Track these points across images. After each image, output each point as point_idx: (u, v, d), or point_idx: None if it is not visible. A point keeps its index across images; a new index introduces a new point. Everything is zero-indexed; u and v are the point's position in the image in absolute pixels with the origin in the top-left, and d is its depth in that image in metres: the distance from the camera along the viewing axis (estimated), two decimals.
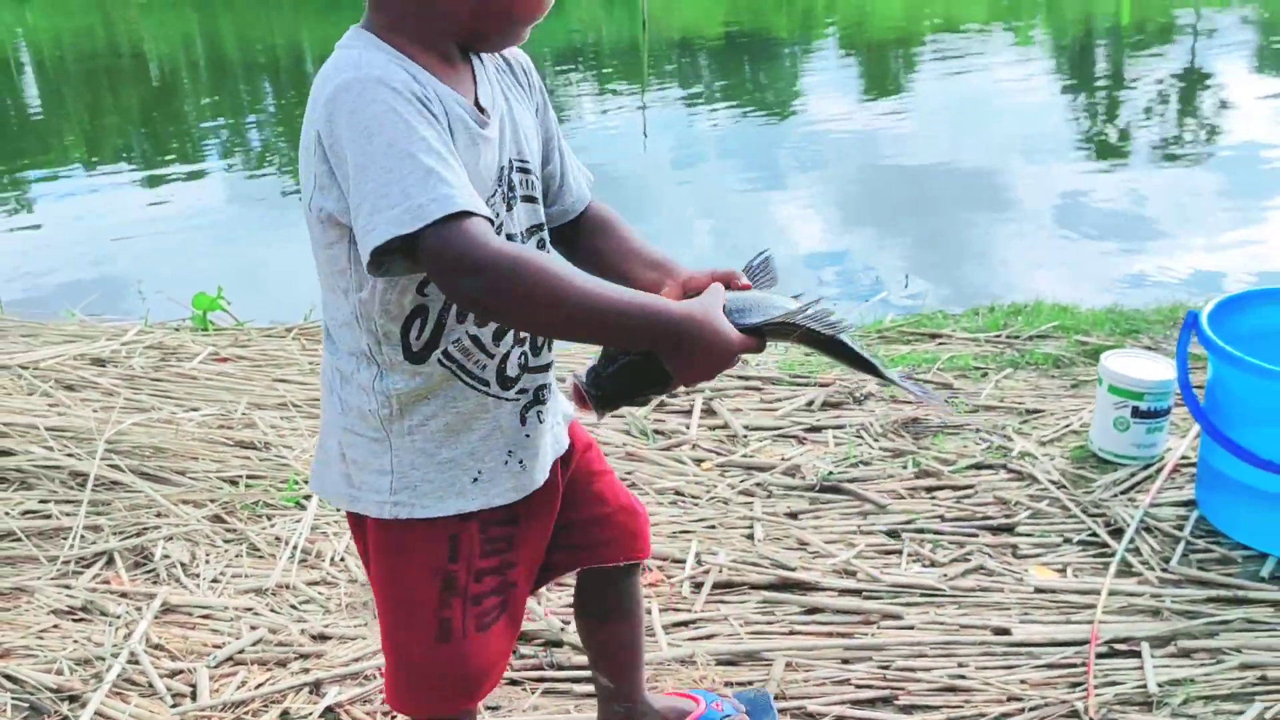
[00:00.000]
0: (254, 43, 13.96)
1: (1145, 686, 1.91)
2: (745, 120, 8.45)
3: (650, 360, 1.16)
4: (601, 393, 1.22)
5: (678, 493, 2.54)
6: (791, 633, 2.08)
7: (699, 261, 1.33)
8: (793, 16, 15.32)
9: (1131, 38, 11.91)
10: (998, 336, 3.49)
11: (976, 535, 2.37)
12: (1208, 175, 6.39)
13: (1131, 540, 2.32)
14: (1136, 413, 2.56)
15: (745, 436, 2.81)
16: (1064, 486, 2.53)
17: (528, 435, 1.31)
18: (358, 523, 1.32)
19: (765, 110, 8.86)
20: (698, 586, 2.21)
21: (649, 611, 2.11)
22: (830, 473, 2.60)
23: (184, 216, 6.31)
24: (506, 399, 1.27)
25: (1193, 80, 9.33)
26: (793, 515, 2.47)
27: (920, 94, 9.25)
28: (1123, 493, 2.50)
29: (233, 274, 4.88)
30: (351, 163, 1.05)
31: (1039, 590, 2.18)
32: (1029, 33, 12.31)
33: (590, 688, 1.86)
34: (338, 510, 2.46)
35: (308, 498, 2.48)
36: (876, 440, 2.78)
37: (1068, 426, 2.80)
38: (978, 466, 2.64)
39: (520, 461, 1.30)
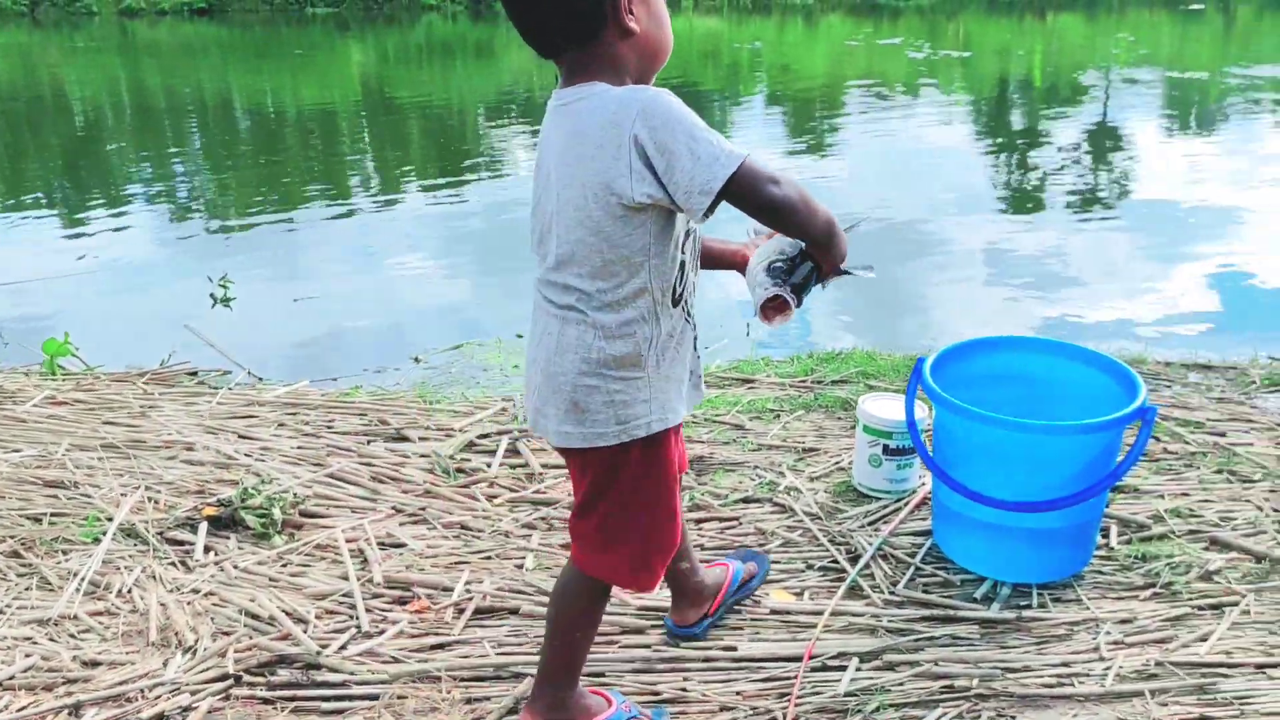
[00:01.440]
0: (181, 89, 14.05)
1: (843, 695, 2.11)
2: None
3: (812, 261, 1.69)
4: (798, 295, 1.70)
5: (464, 526, 2.72)
6: (539, 652, 2.25)
7: None
8: (719, 72, 15.77)
9: (1043, 96, 12.46)
10: (803, 381, 3.73)
11: None
12: (1073, 228, 6.77)
13: (866, 566, 2.54)
14: (887, 450, 2.79)
15: (542, 474, 3.00)
16: (818, 518, 2.76)
17: (699, 358, 1.82)
18: (596, 457, 1.72)
19: None
20: (461, 612, 2.38)
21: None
22: None
23: (86, 262, 6.37)
24: (695, 330, 1.77)
25: (1087, 136, 9.82)
26: (567, 546, 2.65)
27: (834, 146, 9.63)
28: (870, 524, 2.73)
29: (114, 319, 5.00)
30: (682, 142, 1.49)
31: (773, 612, 2.38)
32: (945, 92, 12.80)
33: (340, 704, 2.04)
34: (135, 545, 2.60)
35: (104, 533, 2.62)
36: None
37: (837, 464, 3.04)
38: (746, 500, 2.86)
39: (699, 379, 1.83)
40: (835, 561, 2.58)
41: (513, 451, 3.15)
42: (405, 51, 19.11)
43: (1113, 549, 2.60)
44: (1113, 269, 5.96)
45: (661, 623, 2.35)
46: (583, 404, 1.65)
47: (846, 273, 1.74)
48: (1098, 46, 17.49)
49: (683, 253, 1.67)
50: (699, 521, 2.76)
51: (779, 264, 1.72)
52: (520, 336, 4.99)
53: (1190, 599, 2.41)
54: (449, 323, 5.33)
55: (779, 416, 3.40)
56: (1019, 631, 2.32)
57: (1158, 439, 3.19)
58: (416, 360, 4.71)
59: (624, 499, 1.76)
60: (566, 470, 2.96)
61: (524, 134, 10.67)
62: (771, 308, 1.71)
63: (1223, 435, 3.22)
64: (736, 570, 2.39)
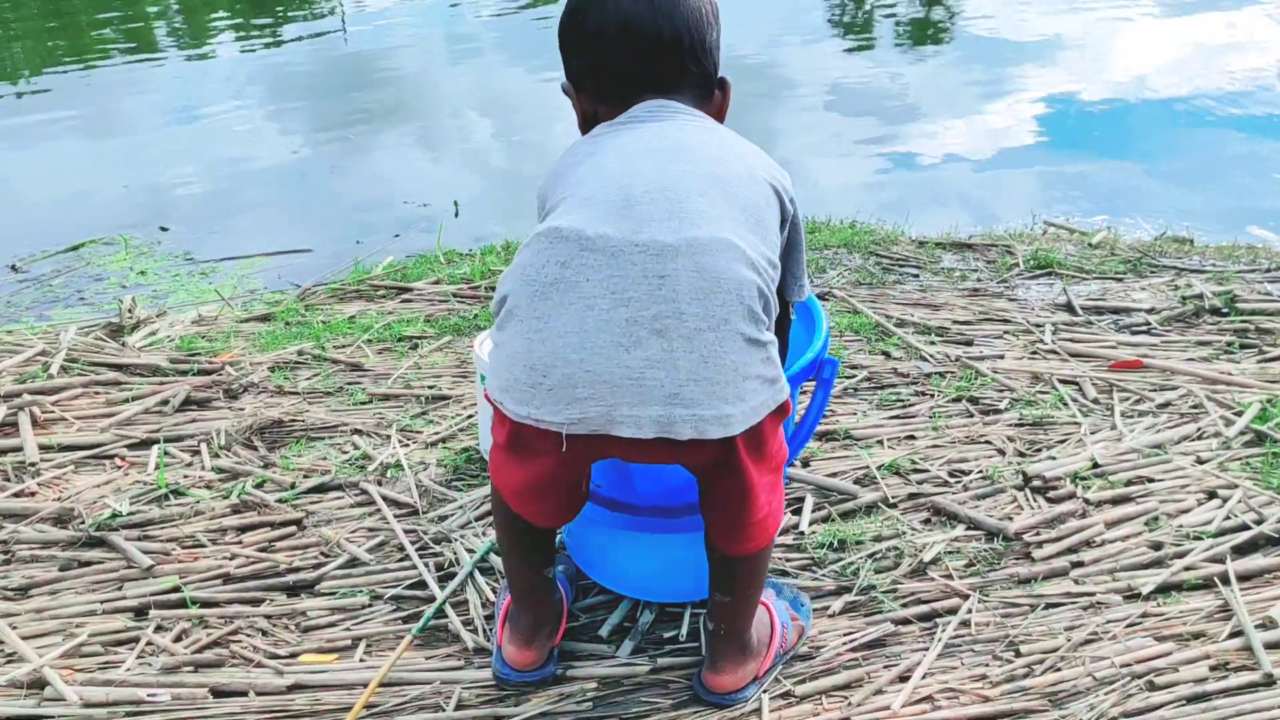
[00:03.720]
0: None
1: None
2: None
3: None
4: None
5: None
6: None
7: None
8: None
9: None
10: (476, 288, 2.90)
11: (262, 602, 1.78)
12: (898, 63, 6.02)
13: (461, 589, 1.78)
14: None
15: (36, 465, 2.11)
16: (415, 512, 1.97)
17: None
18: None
19: None
20: None
21: None
22: (115, 514, 1.94)
23: None
24: None
25: None
26: (24, 591, 1.80)
27: None
28: (483, 517, 1.96)
29: None
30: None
31: (296, 687, 1.60)
32: None
33: None
34: None
35: None
36: (216, 456, 2.14)
37: (471, 418, 2.24)
38: (322, 489, 2.05)
39: None
40: (422, 584, 1.81)
41: (10, 426, 2.23)
42: None
43: (802, 535, 1.91)
44: (925, 109, 5.32)
45: None
46: (744, 370, 1.26)
47: None
48: None
49: None
50: (242, 530, 1.94)
51: None
52: (166, 229, 3.99)
53: (896, 607, 1.75)
54: (96, 213, 4.25)
55: (416, 347, 2.57)
56: (650, 690, 1.60)
57: (888, 355, 2.50)
58: (15, 269, 3.68)
59: (776, 454, 1.40)
60: (78, 456, 2.08)
61: None
62: None
63: (969, 344, 2.56)
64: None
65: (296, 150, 5.06)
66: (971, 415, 2.27)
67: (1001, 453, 2.14)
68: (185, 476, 2.07)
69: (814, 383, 1.66)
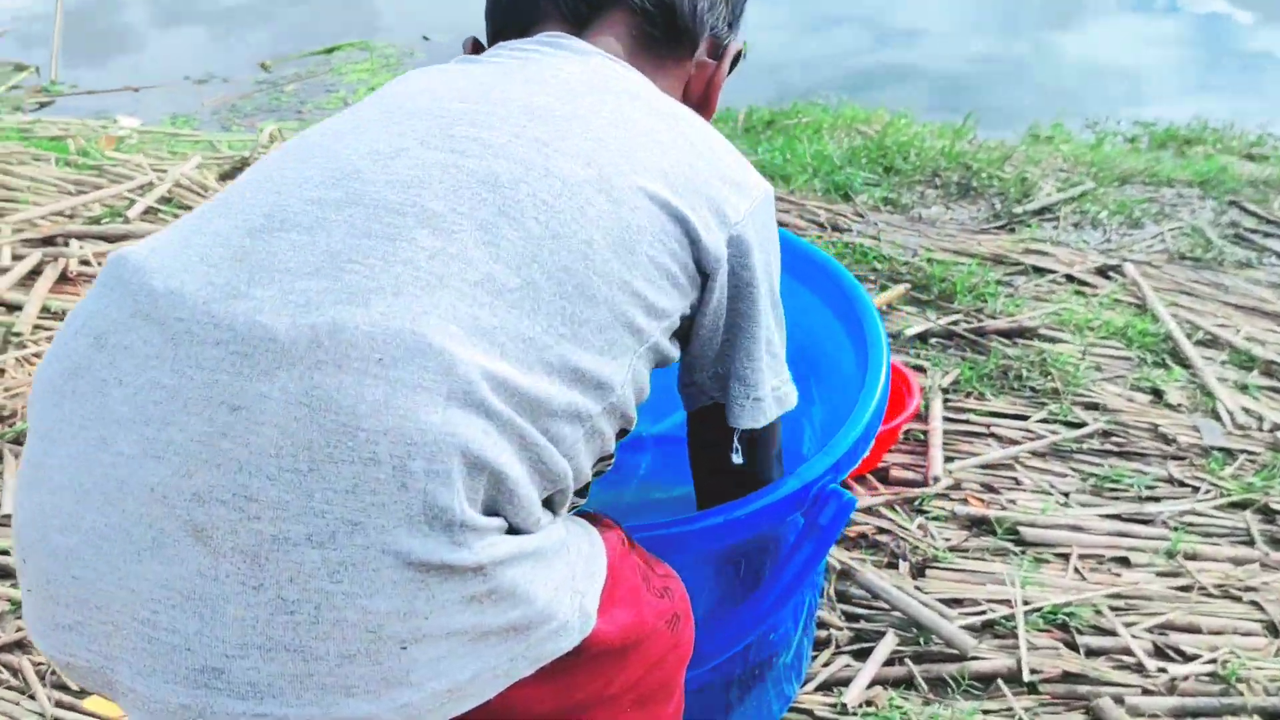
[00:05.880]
0: None
1: None
2: None
3: None
4: None
5: None
6: None
7: None
8: None
9: None
10: None
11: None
12: None
13: None
14: None
15: (21, 338, 1.82)
16: None
17: None
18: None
19: None
20: None
21: None
22: None
23: None
24: None
25: None
26: None
27: None
28: None
29: None
30: (765, 298, 0.86)
31: None
32: None
33: None
34: None
35: None
36: None
37: None
38: None
39: None
40: None
41: (37, 277, 1.96)
42: None
43: (844, 711, 1.19)
44: None
45: None
46: (403, 629, 0.64)
47: None
48: None
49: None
50: None
51: None
52: (428, 39, 3.63)
53: None
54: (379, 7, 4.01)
55: None
56: None
57: (1158, 396, 1.59)
58: (264, 67, 3.51)
59: (621, 696, 0.77)
60: None
61: None
62: None
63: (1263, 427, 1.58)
64: None
65: None
66: (1251, 542, 1.36)
67: (1272, 632, 1.25)
68: None
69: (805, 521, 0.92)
